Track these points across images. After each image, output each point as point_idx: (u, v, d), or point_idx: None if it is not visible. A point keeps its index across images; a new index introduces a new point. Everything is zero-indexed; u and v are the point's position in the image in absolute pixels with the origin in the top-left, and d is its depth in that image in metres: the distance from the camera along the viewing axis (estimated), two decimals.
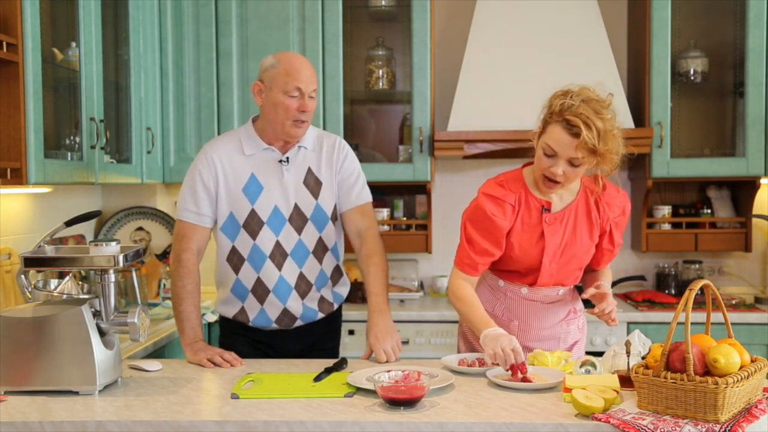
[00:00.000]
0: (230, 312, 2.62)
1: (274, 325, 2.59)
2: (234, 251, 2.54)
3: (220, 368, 2.36)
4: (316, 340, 2.67)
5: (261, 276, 2.54)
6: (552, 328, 2.46)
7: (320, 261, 2.59)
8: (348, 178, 2.60)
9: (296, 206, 2.52)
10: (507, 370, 2.13)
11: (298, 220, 2.53)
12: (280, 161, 2.52)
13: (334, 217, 2.60)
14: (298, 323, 2.61)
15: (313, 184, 2.55)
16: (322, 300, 2.62)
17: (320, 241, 2.57)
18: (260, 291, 2.55)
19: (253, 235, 2.51)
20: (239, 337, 2.63)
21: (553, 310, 2.46)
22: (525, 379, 2.10)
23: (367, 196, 2.65)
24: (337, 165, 2.58)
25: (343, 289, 2.72)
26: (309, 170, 2.55)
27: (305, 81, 2.44)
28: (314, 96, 2.48)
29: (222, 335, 2.70)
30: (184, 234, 2.53)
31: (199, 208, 2.52)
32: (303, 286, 2.57)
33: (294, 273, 2.55)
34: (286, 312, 2.57)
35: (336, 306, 2.70)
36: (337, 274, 2.67)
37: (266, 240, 2.51)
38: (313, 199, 2.54)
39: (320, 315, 2.64)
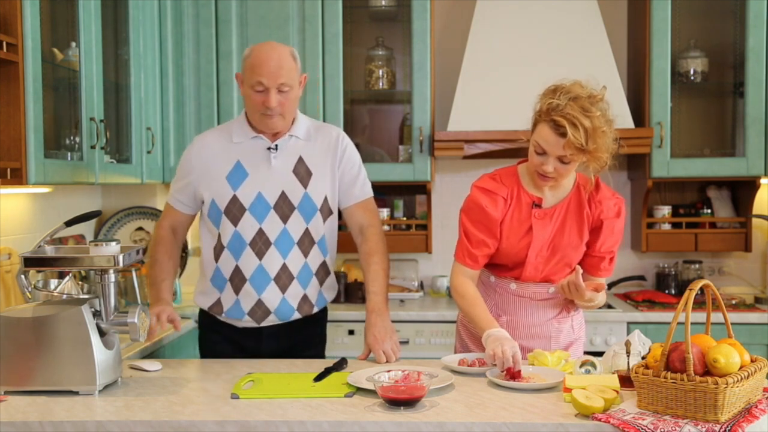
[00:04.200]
0: (206, 303, 2.58)
1: (247, 318, 2.52)
2: (218, 239, 2.52)
3: (220, 368, 2.35)
4: (291, 344, 2.58)
5: (239, 264, 2.49)
6: (542, 326, 2.47)
7: (305, 254, 2.52)
8: (349, 173, 2.56)
9: (283, 194, 2.48)
10: (502, 371, 2.13)
11: (284, 207, 2.48)
12: (269, 149, 2.50)
13: (325, 211, 2.53)
14: (272, 319, 2.53)
15: (303, 173, 2.50)
16: (304, 299, 2.55)
17: (307, 232, 2.51)
18: (237, 280, 2.50)
19: (235, 221, 2.47)
20: (215, 335, 2.60)
21: (543, 307, 2.46)
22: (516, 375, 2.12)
23: (369, 192, 2.62)
24: (338, 159, 2.54)
25: (329, 293, 2.64)
26: (300, 159, 2.51)
27: (268, 75, 2.37)
28: (286, 90, 2.40)
29: (200, 328, 2.69)
30: (163, 212, 2.66)
31: (177, 192, 2.60)
32: (284, 278, 2.50)
33: (276, 263, 2.49)
34: (260, 304, 2.51)
35: (316, 309, 2.60)
36: (323, 271, 2.58)
37: (248, 227, 2.47)
38: (302, 187, 2.49)
39: (296, 315, 2.55)
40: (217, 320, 2.60)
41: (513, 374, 2.11)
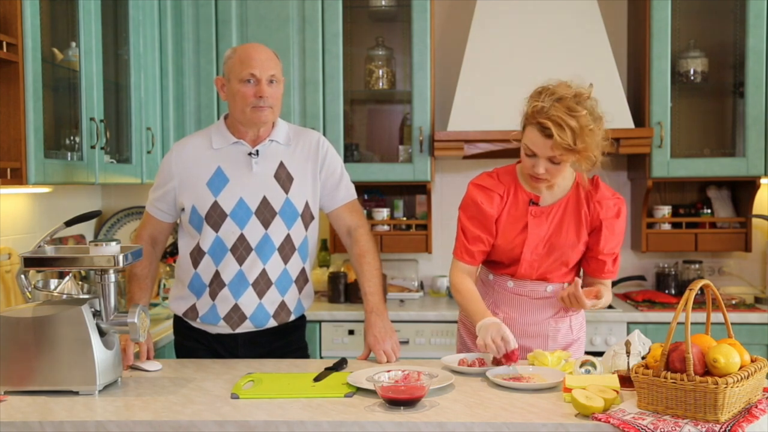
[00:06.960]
0: (181, 308, 2.56)
1: (222, 323, 2.50)
2: (197, 245, 2.49)
3: (220, 368, 2.35)
4: (268, 352, 2.54)
5: (219, 269, 2.47)
6: (538, 325, 2.47)
7: (286, 260, 2.50)
8: (332, 176, 2.56)
9: (265, 199, 2.46)
10: (492, 361, 2.14)
11: (265, 213, 2.46)
12: (250, 154, 2.48)
13: (306, 216, 2.52)
14: (248, 326, 2.50)
15: (284, 178, 2.49)
16: (282, 305, 2.51)
17: (288, 238, 2.49)
18: (215, 285, 2.48)
19: (216, 227, 2.45)
20: (191, 342, 2.58)
21: (540, 306, 2.47)
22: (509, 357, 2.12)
23: (353, 193, 2.62)
24: (319, 164, 2.54)
25: (307, 301, 2.61)
26: (281, 164, 2.50)
27: (259, 66, 2.40)
28: (275, 81, 2.44)
29: (175, 335, 2.67)
30: (142, 221, 2.62)
31: (157, 200, 2.55)
32: (262, 284, 2.47)
33: (256, 268, 2.47)
34: (236, 308, 2.48)
35: (294, 317, 2.57)
36: (302, 278, 2.55)
37: (229, 233, 2.45)
38: (284, 193, 2.48)
39: (272, 322, 2.52)
40: (191, 327, 2.58)
41: (507, 355, 2.11)
